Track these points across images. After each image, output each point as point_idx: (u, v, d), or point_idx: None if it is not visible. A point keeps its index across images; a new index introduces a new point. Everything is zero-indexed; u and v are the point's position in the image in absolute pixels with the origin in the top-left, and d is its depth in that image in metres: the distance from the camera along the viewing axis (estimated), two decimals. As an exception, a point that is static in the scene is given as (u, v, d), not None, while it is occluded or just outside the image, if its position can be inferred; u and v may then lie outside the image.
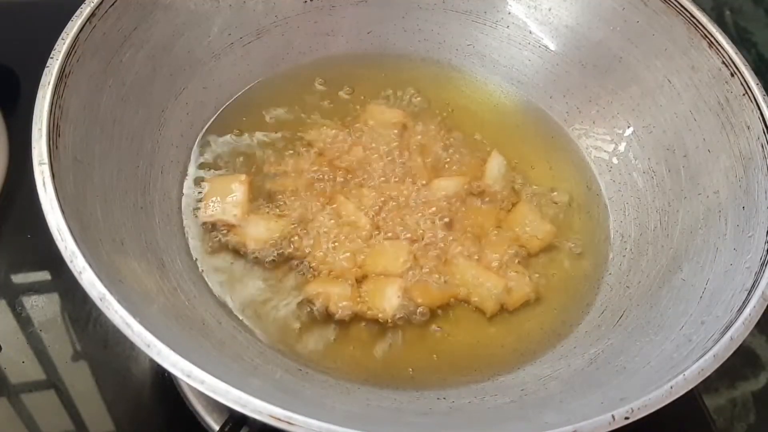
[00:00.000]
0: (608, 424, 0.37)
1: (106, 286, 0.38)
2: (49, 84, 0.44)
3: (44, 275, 0.64)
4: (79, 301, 0.62)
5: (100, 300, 0.37)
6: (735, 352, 0.42)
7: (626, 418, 0.37)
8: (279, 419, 0.34)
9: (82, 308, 0.62)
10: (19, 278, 0.64)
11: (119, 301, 0.37)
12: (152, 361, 0.59)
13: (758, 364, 0.82)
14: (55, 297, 0.63)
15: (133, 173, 0.52)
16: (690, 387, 0.39)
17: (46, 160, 0.42)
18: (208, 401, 0.54)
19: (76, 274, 0.38)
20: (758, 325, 0.43)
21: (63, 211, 0.40)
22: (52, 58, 0.45)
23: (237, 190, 0.56)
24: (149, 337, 0.37)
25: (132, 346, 0.59)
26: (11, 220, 0.67)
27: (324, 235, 0.55)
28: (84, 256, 0.38)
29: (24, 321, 0.61)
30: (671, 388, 0.39)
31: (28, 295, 0.62)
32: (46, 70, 0.45)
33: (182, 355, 0.36)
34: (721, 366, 0.41)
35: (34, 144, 0.42)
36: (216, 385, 0.35)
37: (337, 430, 0.34)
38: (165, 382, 0.58)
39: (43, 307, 0.62)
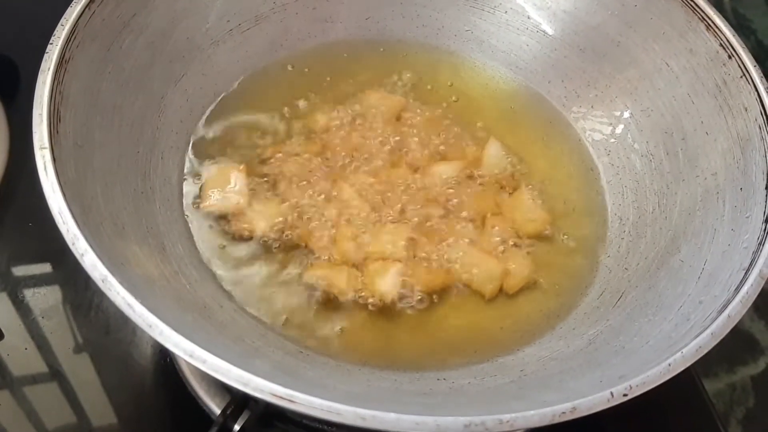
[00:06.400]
0: (607, 401, 0.37)
1: (108, 268, 0.38)
2: (49, 69, 0.44)
3: (46, 263, 0.65)
4: (81, 288, 0.62)
5: (102, 282, 0.38)
6: (734, 337, 0.42)
7: (624, 395, 0.37)
8: (281, 397, 0.35)
9: (83, 295, 0.62)
10: (20, 266, 0.64)
11: (121, 283, 0.37)
12: (154, 347, 0.60)
13: (757, 349, 0.83)
14: (56, 285, 0.63)
15: (133, 159, 0.52)
16: (688, 364, 0.39)
17: (47, 144, 0.42)
18: (209, 385, 0.54)
19: (78, 256, 0.38)
20: (757, 310, 0.43)
21: (64, 195, 0.40)
22: (51, 43, 0.46)
23: (236, 178, 0.57)
24: (151, 318, 0.37)
25: (133, 332, 0.60)
26: (12, 210, 0.67)
27: (324, 220, 0.55)
28: (86, 239, 0.38)
29: (25, 309, 0.61)
30: (669, 365, 0.39)
31: (29, 284, 0.63)
32: (45, 55, 0.45)
33: (184, 335, 0.36)
34: (721, 350, 0.41)
35: (35, 129, 0.42)
36: (218, 365, 0.35)
37: (338, 408, 0.34)
38: (167, 368, 0.58)
39: (44, 295, 0.62)
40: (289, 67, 0.65)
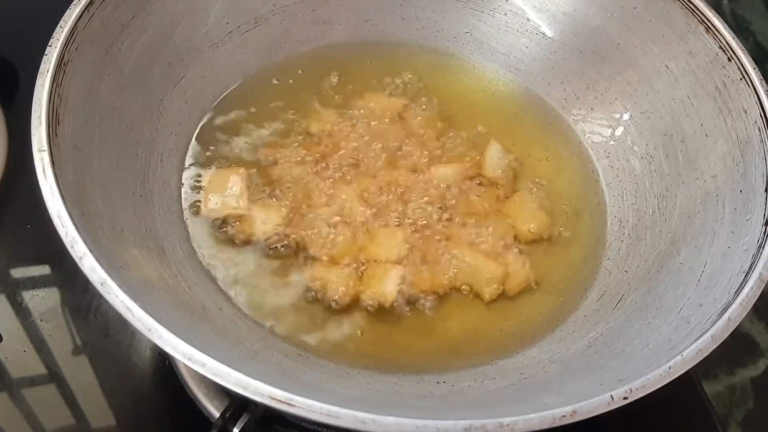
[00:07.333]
0: (607, 404, 0.37)
1: (106, 271, 0.38)
2: (47, 72, 0.44)
3: (44, 265, 0.64)
4: (80, 290, 0.62)
5: (101, 285, 0.37)
6: (734, 339, 0.42)
7: (625, 399, 0.37)
8: (280, 401, 0.35)
9: (82, 298, 0.62)
10: (19, 268, 0.64)
11: (120, 286, 0.37)
12: (153, 350, 0.60)
13: (757, 351, 0.83)
14: (55, 287, 0.63)
15: (132, 161, 0.52)
16: (688, 367, 0.39)
17: (45, 147, 0.42)
18: (208, 389, 0.54)
19: (76, 259, 0.38)
20: (757, 312, 0.43)
21: (63, 198, 0.40)
22: (50, 46, 0.45)
23: (235, 181, 0.57)
24: (150, 321, 0.37)
25: (132, 335, 0.60)
26: (11, 212, 0.67)
27: (324, 222, 0.55)
28: (84, 242, 0.38)
29: (24, 311, 0.61)
30: (669, 368, 0.39)
31: (28, 286, 0.63)
32: (44, 57, 0.45)
33: (183, 339, 0.36)
34: (720, 353, 0.41)
35: (33, 131, 0.42)
36: (217, 368, 0.35)
37: (337, 411, 0.34)
38: (166, 371, 0.58)
39: (43, 297, 0.62)
40: (288, 70, 0.65)
